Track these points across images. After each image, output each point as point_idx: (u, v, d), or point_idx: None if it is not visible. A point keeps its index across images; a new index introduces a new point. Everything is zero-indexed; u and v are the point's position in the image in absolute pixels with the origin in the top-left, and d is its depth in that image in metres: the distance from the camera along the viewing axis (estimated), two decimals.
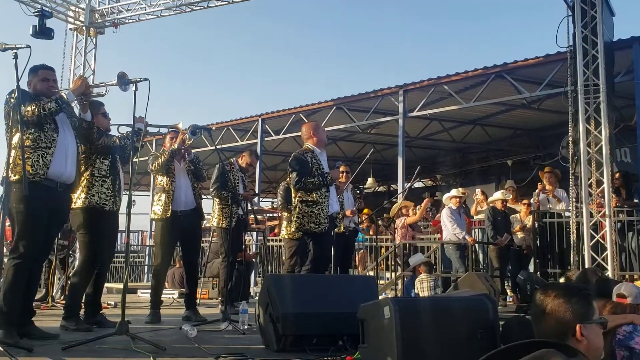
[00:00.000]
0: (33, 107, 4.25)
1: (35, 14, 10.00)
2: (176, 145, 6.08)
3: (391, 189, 20.69)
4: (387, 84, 11.78)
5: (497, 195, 9.15)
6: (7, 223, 4.86)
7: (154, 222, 6.46)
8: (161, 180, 6.14)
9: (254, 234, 11.81)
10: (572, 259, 7.89)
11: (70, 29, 12.69)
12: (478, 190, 10.75)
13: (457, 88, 11.32)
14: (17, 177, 4.12)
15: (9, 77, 4.12)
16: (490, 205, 9.11)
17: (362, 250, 11.25)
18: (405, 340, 3.18)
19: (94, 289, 5.40)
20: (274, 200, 22.87)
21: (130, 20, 12.74)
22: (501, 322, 3.69)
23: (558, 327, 2.04)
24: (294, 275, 5.68)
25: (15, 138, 4.17)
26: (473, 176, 17.68)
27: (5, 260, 4.37)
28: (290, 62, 46.70)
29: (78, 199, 5.08)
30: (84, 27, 12.55)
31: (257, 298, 6.21)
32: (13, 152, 4.16)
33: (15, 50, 3.87)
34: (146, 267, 15.22)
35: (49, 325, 4.93)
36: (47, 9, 10.91)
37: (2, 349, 3.44)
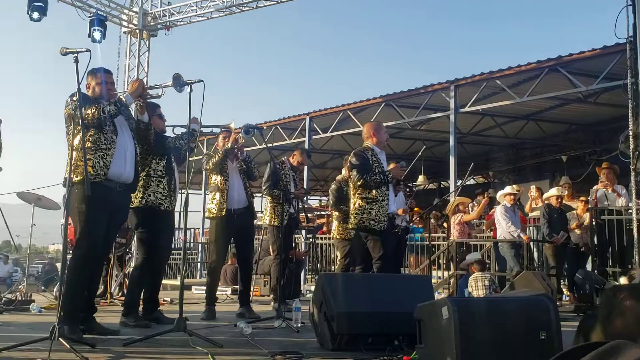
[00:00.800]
0: (93, 110, 4.34)
1: (91, 18, 10.32)
2: (229, 145, 6.15)
3: (442, 186, 20.46)
4: (437, 80, 11.64)
5: (553, 191, 8.92)
6: (70, 222, 5.04)
7: (208, 220, 6.56)
8: (215, 179, 6.22)
9: (303, 232, 11.87)
10: (636, 257, 7.61)
11: (124, 32, 13.01)
12: (532, 187, 10.52)
13: (509, 82, 11.09)
14: (79, 178, 4.23)
15: (66, 80, 4.23)
16: (545, 202, 8.89)
17: (420, 256, 11.08)
18: (464, 340, 3.12)
19: (151, 286, 5.53)
20: (322, 198, 22.95)
21: (182, 23, 12.98)
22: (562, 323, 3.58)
23: (628, 329, 1.96)
24: (348, 274, 5.65)
25: (77, 140, 4.29)
26: (526, 172, 17.33)
27: (68, 257, 4.52)
28: (333, 61, 46.92)
29: (135, 198, 5.19)
30: (137, 30, 12.84)
31: (308, 296, 6.23)
32: (75, 154, 4.29)
33: (76, 54, 3.95)
34: (199, 264, 15.49)
35: (109, 321, 5.06)
36: (102, 13, 11.22)
37: (67, 345, 3.54)
